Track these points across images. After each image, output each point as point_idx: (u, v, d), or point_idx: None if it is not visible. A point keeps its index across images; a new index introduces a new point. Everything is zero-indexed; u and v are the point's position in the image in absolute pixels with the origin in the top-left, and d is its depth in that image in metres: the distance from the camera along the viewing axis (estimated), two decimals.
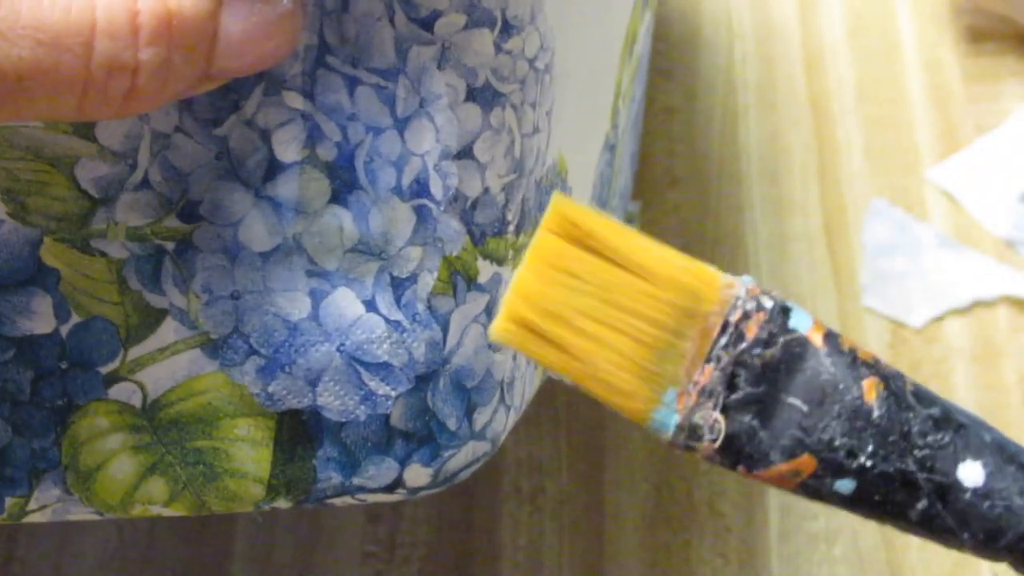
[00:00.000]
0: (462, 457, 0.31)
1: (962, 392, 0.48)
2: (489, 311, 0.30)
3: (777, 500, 0.46)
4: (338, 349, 0.29)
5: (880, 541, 0.45)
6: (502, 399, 0.31)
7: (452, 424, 0.30)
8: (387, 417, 0.29)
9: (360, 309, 0.29)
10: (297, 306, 0.29)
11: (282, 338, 0.29)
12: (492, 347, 0.30)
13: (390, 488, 0.30)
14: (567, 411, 0.48)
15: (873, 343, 0.50)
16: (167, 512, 0.30)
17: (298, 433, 0.29)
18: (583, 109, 0.35)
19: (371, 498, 0.31)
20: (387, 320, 0.29)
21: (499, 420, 0.31)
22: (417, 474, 0.30)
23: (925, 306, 0.51)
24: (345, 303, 0.29)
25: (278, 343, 0.29)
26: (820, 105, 0.56)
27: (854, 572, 0.45)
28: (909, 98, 0.56)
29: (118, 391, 0.29)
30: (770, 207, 0.53)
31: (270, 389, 0.29)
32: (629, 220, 0.45)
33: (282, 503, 0.30)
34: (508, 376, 0.31)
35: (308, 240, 0.28)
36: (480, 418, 0.31)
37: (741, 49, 0.58)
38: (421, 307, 0.29)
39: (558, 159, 0.33)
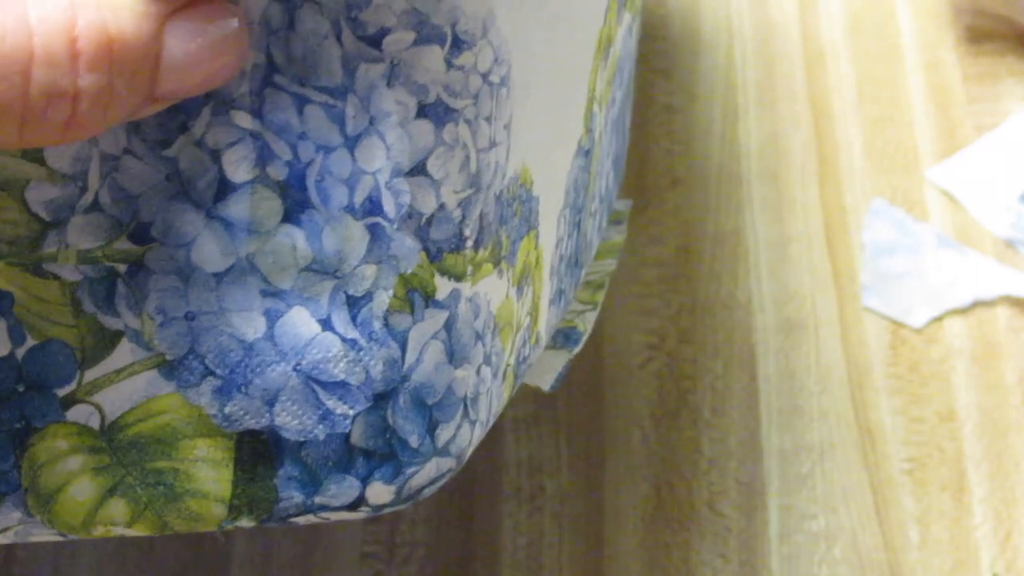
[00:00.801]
0: (425, 474, 0.30)
1: (962, 392, 0.48)
2: (448, 327, 0.30)
3: (777, 500, 0.46)
4: (294, 369, 0.29)
5: (880, 541, 0.45)
6: (466, 414, 0.31)
7: (414, 441, 0.30)
8: (347, 436, 0.29)
9: (316, 328, 0.29)
10: (252, 326, 0.29)
11: (237, 359, 0.29)
12: (453, 363, 0.30)
13: (353, 506, 0.30)
14: (567, 411, 0.48)
15: (873, 343, 0.50)
16: (130, 533, 0.30)
17: (258, 453, 0.29)
18: (549, 118, 0.35)
19: (335, 516, 0.31)
20: (343, 339, 0.29)
21: (463, 435, 0.31)
22: (379, 492, 0.30)
23: (925, 306, 0.51)
24: (300, 322, 0.29)
25: (234, 363, 0.29)
26: (820, 105, 0.56)
27: (854, 572, 0.45)
28: (909, 98, 0.56)
29: (76, 413, 0.29)
30: (770, 207, 0.53)
31: (227, 410, 0.29)
32: (617, 220, 0.45)
33: (245, 522, 0.30)
34: (472, 391, 0.31)
35: (262, 260, 0.28)
36: (443, 434, 0.30)
37: (741, 49, 0.58)
38: (377, 325, 0.29)
39: (520, 170, 0.33)
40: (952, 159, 0.54)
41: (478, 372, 0.31)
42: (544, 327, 0.36)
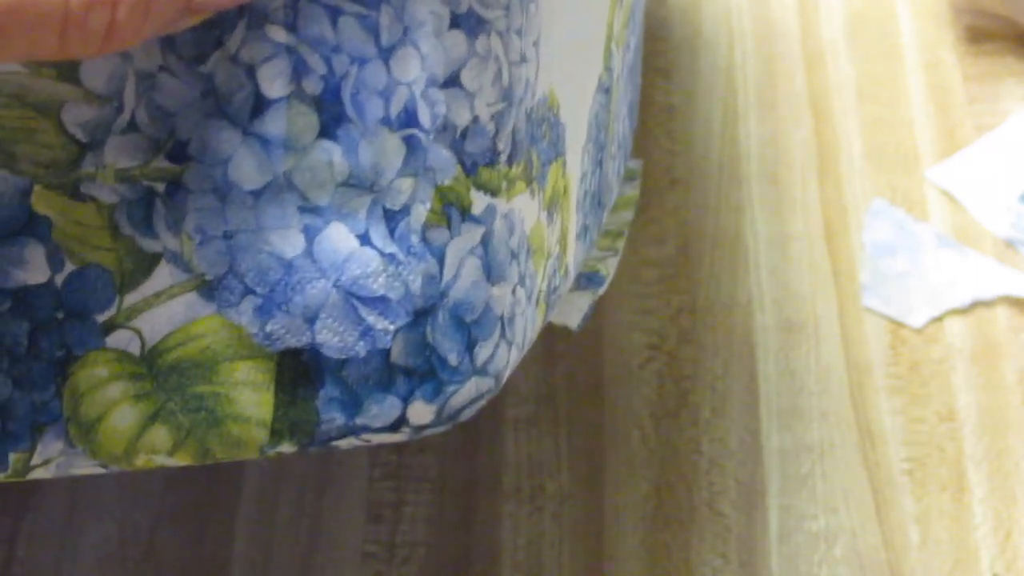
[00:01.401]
0: (465, 393, 0.30)
1: (962, 392, 0.49)
2: (485, 244, 0.30)
3: (777, 500, 0.46)
4: (334, 285, 0.29)
5: (880, 541, 0.45)
6: (503, 334, 0.31)
7: (453, 359, 0.30)
8: (387, 354, 0.29)
9: (354, 243, 0.29)
10: (291, 243, 0.28)
11: (277, 276, 0.29)
12: (490, 281, 0.30)
13: (394, 427, 0.30)
14: (567, 411, 0.49)
15: (873, 343, 0.50)
16: (171, 462, 0.30)
17: (298, 375, 0.29)
18: (573, 46, 0.34)
19: (376, 438, 0.30)
20: (382, 253, 0.29)
21: (501, 356, 0.31)
22: (421, 411, 0.30)
23: (925, 306, 0.51)
24: (339, 238, 0.29)
25: (273, 281, 0.29)
26: (820, 105, 0.56)
27: (854, 572, 0.45)
28: (909, 98, 0.56)
29: (116, 339, 0.29)
30: (770, 207, 0.53)
31: (268, 328, 0.29)
32: (631, 177, 0.45)
33: (287, 447, 0.30)
34: (508, 311, 0.31)
35: (299, 176, 0.28)
36: (482, 353, 0.30)
37: (741, 49, 0.58)
38: (416, 239, 0.29)
39: (548, 93, 0.33)
40: (952, 159, 0.54)
41: (513, 292, 0.31)
42: (572, 260, 0.36)
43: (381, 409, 0.30)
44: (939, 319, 0.50)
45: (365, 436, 0.30)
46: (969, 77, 0.57)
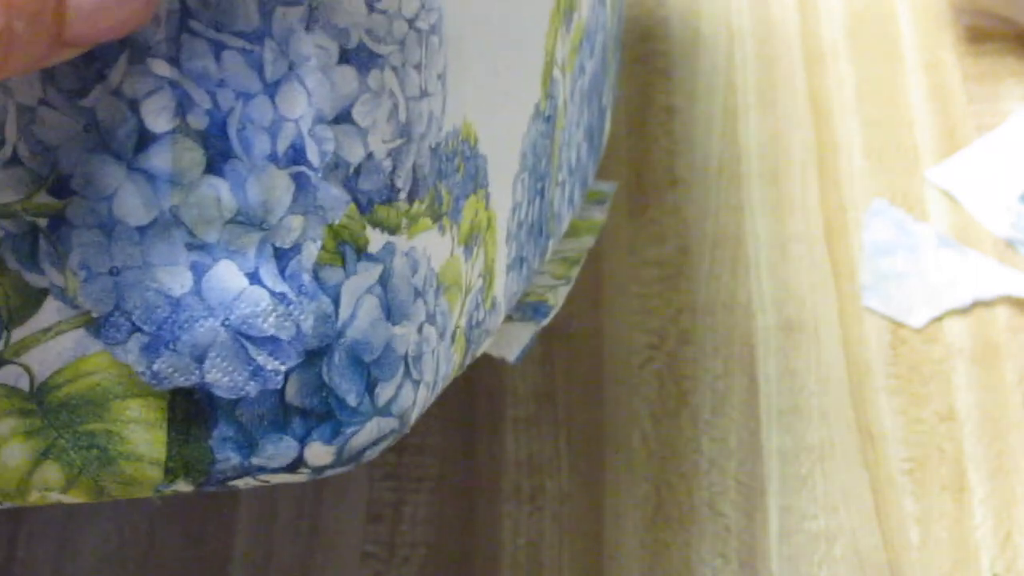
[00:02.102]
0: (366, 434, 0.30)
1: (962, 392, 0.48)
2: (384, 282, 0.29)
3: (777, 500, 0.46)
4: (223, 324, 0.28)
5: (880, 541, 0.45)
6: (407, 374, 0.30)
7: (352, 400, 0.29)
8: (282, 394, 0.28)
9: (243, 282, 0.28)
10: (179, 281, 0.28)
11: (165, 314, 0.28)
12: (391, 320, 0.30)
13: (292, 468, 0.29)
14: (567, 411, 0.49)
15: (873, 343, 0.50)
16: (66, 499, 0.29)
17: (191, 413, 0.29)
18: (495, 75, 0.34)
19: (274, 479, 0.30)
20: (272, 292, 0.28)
21: (405, 396, 0.30)
22: (319, 452, 0.29)
23: (925, 306, 0.51)
24: (228, 276, 0.28)
25: (161, 319, 0.28)
26: (820, 105, 0.56)
27: (854, 572, 0.45)
28: (909, 98, 0.56)
29: (5, 375, 0.28)
30: (770, 207, 0.53)
31: (155, 367, 0.28)
32: (600, 200, 0.44)
33: (182, 486, 0.29)
34: (413, 350, 0.30)
35: (186, 212, 0.28)
36: (383, 393, 0.30)
37: (741, 49, 0.58)
38: (307, 278, 0.28)
39: (462, 126, 0.32)
40: (952, 159, 0.54)
41: (420, 330, 0.30)
42: (502, 293, 0.36)
43: (277, 450, 0.29)
44: (939, 319, 0.50)
45: (262, 477, 0.30)
46: (969, 77, 0.57)
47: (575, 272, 0.41)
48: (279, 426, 0.29)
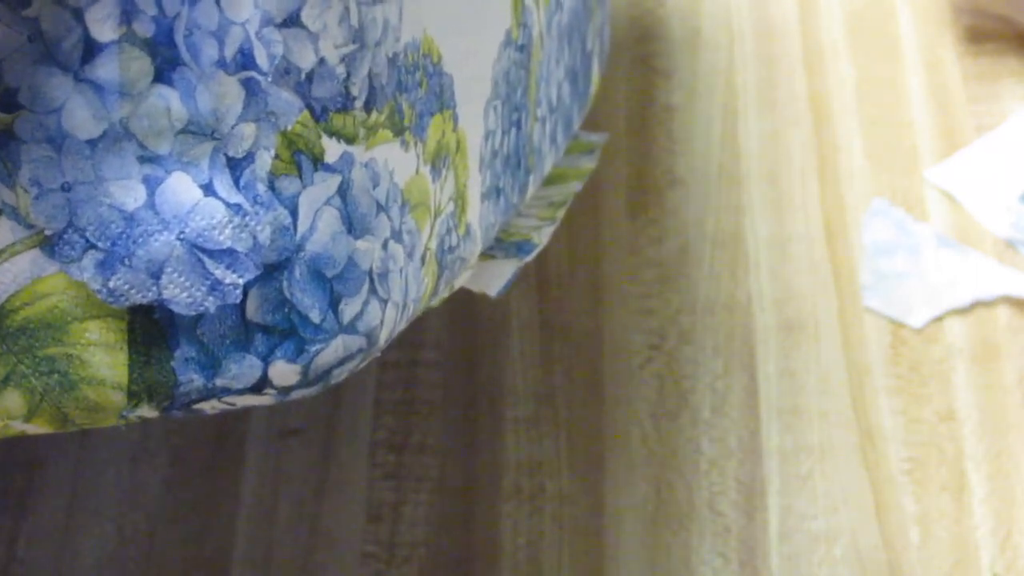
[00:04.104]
0: (332, 352, 0.29)
1: (962, 392, 0.48)
2: (343, 194, 0.29)
3: (777, 500, 0.46)
4: (178, 237, 0.27)
5: (880, 541, 0.45)
6: (373, 290, 0.29)
7: (315, 316, 0.28)
8: (243, 310, 0.28)
9: (198, 194, 0.27)
10: (132, 195, 0.27)
11: (119, 230, 0.27)
12: (353, 233, 0.29)
13: (257, 388, 0.29)
14: (567, 411, 0.49)
15: (873, 343, 0.50)
16: (31, 428, 0.29)
17: (152, 333, 0.28)
18: None
19: (240, 401, 0.29)
20: (227, 204, 0.27)
21: (372, 313, 0.29)
22: (283, 372, 0.29)
23: (925, 306, 0.51)
24: (181, 188, 0.27)
25: (115, 235, 0.27)
26: (820, 105, 0.56)
27: (854, 572, 0.45)
28: (909, 98, 0.56)
29: None
30: (770, 207, 0.53)
31: (111, 284, 0.27)
32: (588, 150, 0.44)
33: (147, 411, 0.29)
34: (378, 266, 0.30)
35: (136, 124, 0.27)
36: (348, 310, 0.29)
37: (741, 49, 0.58)
38: (262, 188, 0.28)
39: (422, 39, 0.32)
40: (952, 159, 0.54)
41: (385, 247, 0.30)
42: (476, 221, 0.35)
43: (240, 369, 0.28)
44: (939, 319, 0.50)
45: (228, 399, 0.29)
46: (969, 77, 0.57)
47: (561, 213, 0.40)
48: (242, 344, 0.28)
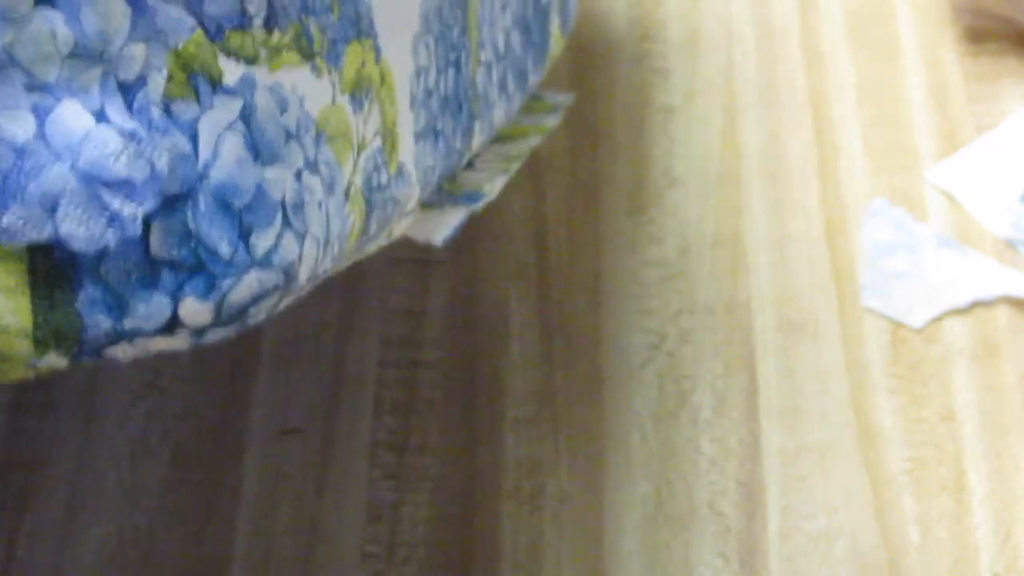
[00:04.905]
0: (245, 288, 0.28)
1: (962, 392, 0.48)
2: (246, 119, 0.27)
3: (777, 500, 0.46)
4: (72, 168, 0.26)
5: (880, 541, 0.45)
6: (287, 223, 0.28)
7: (223, 249, 0.27)
8: (146, 246, 0.26)
9: (90, 121, 0.26)
10: (21, 126, 0.26)
11: (9, 163, 0.26)
12: (260, 160, 0.28)
13: (169, 329, 0.27)
14: (566, 411, 0.48)
15: (873, 343, 0.50)
16: None
17: (53, 275, 0.27)
18: None
19: (154, 344, 0.28)
20: (121, 131, 0.26)
21: (287, 246, 0.28)
22: (195, 309, 0.27)
23: (925, 306, 0.51)
24: (72, 117, 0.26)
25: (5, 170, 0.26)
26: (820, 105, 0.56)
27: (854, 572, 0.45)
28: (909, 98, 0.56)
29: None
30: (770, 207, 0.53)
31: (4, 222, 0.26)
32: (553, 110, 0.43)
33: (56, 359, 0.27)
34: (292, 197, 0.28)
35: (20, 50, 0.26)
36: (260, 243, 0.28)
37: (741, 49, 0.58)
38: (157, 112, 0.26)
39: None
40: (952, 159, 0.54)
41: (298, 177, 0.29)
42: (411, 161, 0.34)
43: (149, 309, 0.27)
44: (939, 319, 0.50)
45: (140, 342, 0.27)
46: (969, 77, 0.56)
47: (515, 166, 0.39)
48: (148, 282, 0.27)
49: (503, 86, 0.40)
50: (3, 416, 0.49)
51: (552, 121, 0.43)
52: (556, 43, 0.46)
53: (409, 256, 0.52)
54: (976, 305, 0.51)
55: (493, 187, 0.38)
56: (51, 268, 0.27)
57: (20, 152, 0.26)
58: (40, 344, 0.27)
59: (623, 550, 0.46)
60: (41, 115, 0.26)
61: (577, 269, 0.52)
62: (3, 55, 0.26)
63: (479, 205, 0.37)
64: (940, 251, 0.52)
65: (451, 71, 0.36)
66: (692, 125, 0.56)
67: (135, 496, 0.47)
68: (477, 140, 0.39)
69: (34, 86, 0.26)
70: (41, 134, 0.26)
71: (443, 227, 0.37)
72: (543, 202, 0.54)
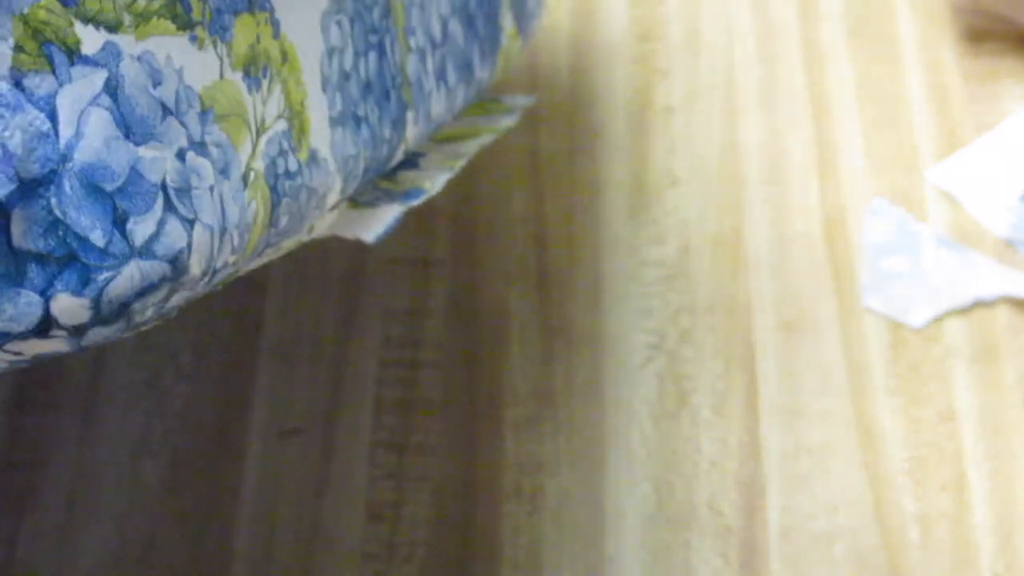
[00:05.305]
0: (126, 281, 0.25)
1: (962, 392, 0.48)
2: (112, 93, 0.25)
3: (777, 500, 0.46)
4: None
5: (880, 541, 0.45)
6: (171, 207, 0.26)
7: (97, 238, 0.24)
8: (7, 236, 0.24)
9: None
10: None
11: None
12: (132, 139, 0.25)
13: (42, 330, 0.24)
14: (567, 411, 0.48)
15: (873, 343, 0.50)
16: None
17: None
18: None
19: (30, 349, 0.25)
20: None
21: (174, 234, 0.25)
22: (70, 307, 0.24)
23: (925, 306, 0.51)
24: None
25: None
26: (820, 105, 0.56)
27: (854, 572, 0.45)
28: (909, 98, 0.56)
29: None
30: (770, 207, 0.53)
31: None
32: (509, 111, 0.41)
33: None
34: (176, 180, 0.26)
35: None
36: (138, 229, 0.25)
37: (741, 49, 0.58)
38: (5, 87, 0.24)
39: None
40: (952, 159, 0.54)
41: (182, 158, 0.26)
42: (326, 147, 0.32)
43: (17, 309, 0.24)
44: (939, 319, 0.50)
45: (12, 348, 0.25)
46: (969, 77, 0.57)
47: (460, 164, 0.37)
48: (13, 278, 0.24)
49: (441, 76, 0.37)
50: (3, 416, 0.49)
51: (508, 121, 0.40)
52: (510, 39, 0.43)
53: (409, 256, 0.52)
54: (976, 305, 0.51)
55: (434, 184, 0.36)
56: None
57: None
58: None
59: (623, 550, 0.46)
60: None
61: (577, 269, 0.52)
62: None
63: (417, 201, 0.35)
64: (940, 251, 0.52)
65: (372, 55, 0.34)
66: (692, 125, 0.56)
67: (135, 496, 0.47)
68: (411, 131, 0.36)
69: None
70: None
71: (375, 224, 0.34)
72: (543, 202, 0.54)
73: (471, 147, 0.39)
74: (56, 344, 0.25)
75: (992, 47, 0.57)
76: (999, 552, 0.45)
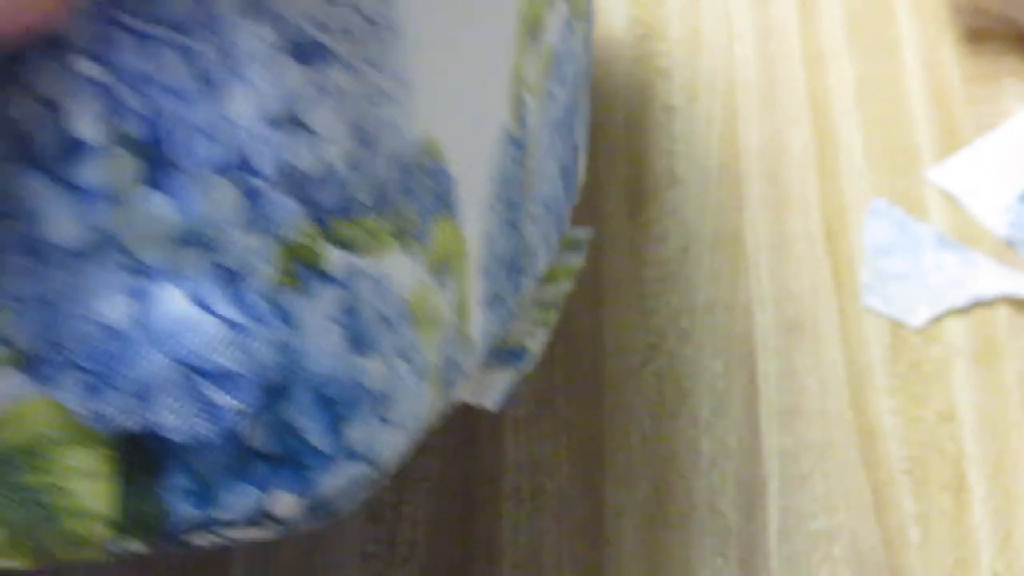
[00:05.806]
0: (336, 481, 0.27)
1: (962, 392, 0.48)
2: (348, 308, 0.26)
3: (777, 500, 0.46)
4: (170, 358, 0.25)
5: (880, 541, 0.45)
6: (378, 413, 0.27)
7: (316, 441, 0.26)
8: (238, 436, 0.25)
9: (190, 309, 0.25)
10: (119, 310, 0.25)
11: (104, 348, 0.25)
12: (357, 351, 0.27)
13: (255, 521, 0.26)
14: (567, 411, 0.49)
15: (873, 343, 0.50)
16: (10, 564, 0.26)
17: (141, 461, 0.25)
18: (459, 90, 0.31)
19: (239, 535, 0.27)
20: (223, 320, 0.25)
21: (378, 438, 0.27)
22: (284, 503, 0.26)
23: (925, 306, 0.51)
24: (173, 303, 0.25)
25: (100, 354, 0.25)
26: (820, 105, 0.56)
27: (854, 572, 0.45)
28: (909, 98, 0.56)
29: None
30: (770, 207, 0.53)
31: (96, 409, 0.25)
32: (575, 247, 0.42)
33: (135, 544, 0.26)
34: (384, 387, 0.27)
35: (123, 232, 0.25)
36: (352, 434, 0.27)
37: (741, 49, 0.58)
38: (261, 302, 0.25)
39: (425, 140, 0.29)
40: (952, 159, 0.54)
41: (391, 366, 0.28)
42: (478, 332, 0.33)
43: (237, 500, 0.26)
44: (939, 319, 0.50)
45: (224, 532, 0.26)
46: (969, 77, 0.57)
47: (554, 317, 0.38)
48: (237, 473, 0.26)
49: (547, 238, 0.38)
50: None
51: (577, 260, 0.41)
52: (582, 178, 0.45)
53: None
54: (976, 305, 0.51)
55: (535, 343, 0.37)
56: (138, 453, 0.25)
57: (116, 337, 0.25)
58: (121, 530, 0.26)
59: (623, 550, 0.46)
60: (140, 300, 0.25)
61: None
62: (104, 236, 0.25)
63: (528, 366, 0.36)
64: (940, 251, 0.52)
65: (512, 233, 0.35)
66: (692, 124, 0.56)
67: None
68: (525, 297, 0.37)
69: (135, 269, 0.25)
70: (139, 320, 0.25)
71: (494, 390, 0.35)
72: None
73: (557, 295, 0.39)
74: (265, 533, 0.27)
75: (992, 47, 0.57)
76: (999, 552, 0.45)
